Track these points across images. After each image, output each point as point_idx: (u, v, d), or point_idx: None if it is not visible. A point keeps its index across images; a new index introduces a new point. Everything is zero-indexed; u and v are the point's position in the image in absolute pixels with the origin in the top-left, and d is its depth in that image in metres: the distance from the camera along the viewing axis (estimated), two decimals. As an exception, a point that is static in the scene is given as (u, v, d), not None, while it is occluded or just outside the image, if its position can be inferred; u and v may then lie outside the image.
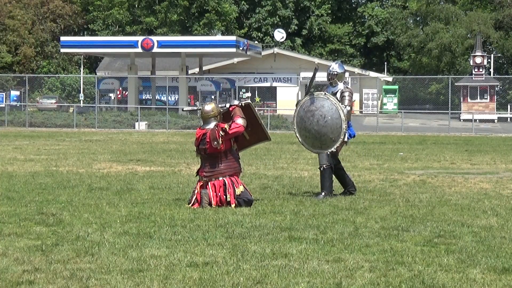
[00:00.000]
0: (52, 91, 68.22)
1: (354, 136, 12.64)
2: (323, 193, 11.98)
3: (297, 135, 12.31)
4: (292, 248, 7.85)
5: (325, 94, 12.20)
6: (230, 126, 10.94)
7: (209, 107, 11.24)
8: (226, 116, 11.28)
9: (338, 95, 12.33)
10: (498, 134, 42.03)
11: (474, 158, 21.62)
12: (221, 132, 10.87)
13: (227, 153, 10.98)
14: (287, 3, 79.03)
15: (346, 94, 12.31)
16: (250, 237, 8.44)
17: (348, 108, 12.20)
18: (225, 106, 11.49)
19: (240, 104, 11.43)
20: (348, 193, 12.37)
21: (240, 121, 11.04)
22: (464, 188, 13.69)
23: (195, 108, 11.76)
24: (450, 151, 25.31)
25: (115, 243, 8.07)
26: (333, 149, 12.08)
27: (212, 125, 11.02)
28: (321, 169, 12.09)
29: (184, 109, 13.81)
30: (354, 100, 12.71)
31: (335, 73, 12.45)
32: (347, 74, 64.34)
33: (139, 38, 50.14)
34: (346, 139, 12.27)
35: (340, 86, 12.44)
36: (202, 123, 11.28)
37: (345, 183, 12.45)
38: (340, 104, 12.07)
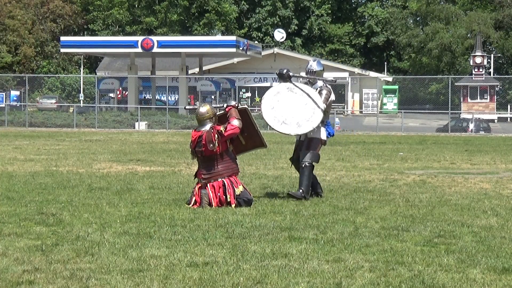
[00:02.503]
0: (52, 91, 68.23)
1: (332, 135, 12.27)
2: (300, 190, 11.61)
3: (265, 108, 11.76)
4: (292, 248, 7.85)
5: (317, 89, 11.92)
6: (225, 128, 10.91)
7: (203, 109, 11.18)
8: (223, 117, 11.24)
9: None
10: (498, 134, 42.04)
11: (474, 158, 21.62)
12: (216, 134, 10.85)
13: (224, 154, 10.94)
14: (287, 3, 79.06)
15: (324, 92, 11.97)
16: (250, 237, 8.44)
17: (324, 106, 11.80)
18: (222, 106, 11.44)
19: (236, 105, 11.37)
20: (288, 193, 11.97)
21: (235, 123, 11.00)
22: (464, 188, 13.69)
23: (196, 107, 11.71)
24: (450, 151, 25.31)
25: (115, 243, 8.07)
26: (291, 134, 11.78)
27: (207, 127, 10.99)
28: (303, 165, 11.73)
29: (186, 107, 13.83)
30: (332, 100, 12.36)
31: (314, 70, 12.11)
32: (346, 74, 64.21)
33: (139, 38, 50.12)
34: (325, 138, 11.98)
35: (319, 83, 12.13)
36: (197, 125, 11.23)
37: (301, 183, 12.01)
38: (319, 99, 11.75)
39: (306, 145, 12.00)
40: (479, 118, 47.27)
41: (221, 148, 10.91)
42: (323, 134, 12.02)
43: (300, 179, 11.90)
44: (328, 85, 12.22)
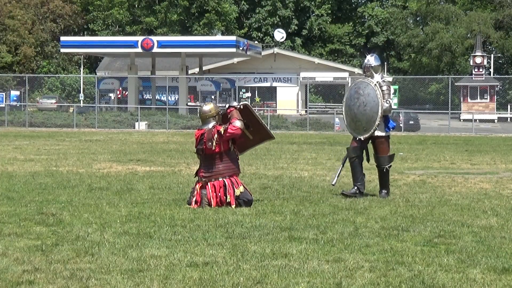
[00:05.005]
0: (52, 91, 68.22)
1: (394, 127, 12.67)
2: (384, 191, 12.18)
3: (343, 111, 12.64)
4: (292, 248, 7.85)
5: (376, 84, 12.18)
6: (226, 129, 10.90)
7: (207, 107, 11.22)
8: (225, 117, 11.25)
9: None
10: (498, 134, 42.04)
11: (474, 158, 21.62)
12: (216, 135, 10.84)
13: (225, 154, 10.93)
14: (287, 3, 79.03)
15: (385, 88, 12.25)
16: (250, 237, 8.44)
17: (390, 101, 12.22)
18: (225, 107, 11.47)
19: (238, 106, 11.36)
20: (357, 190, 12.22)
21: (237, 124, 10.98)
22: (464, 188, 13.69)
23: (198, 105, 11.80)
24: (450, 151, 25.31)
25: (115, 243, 8.07)
26: (361, 137, 12.26)
27: (210, 125, 11.02)
28: (384, 170, 12.29)
29: (188, 103, 13.89)
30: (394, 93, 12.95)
31: (371, 65, 12.35)
32: (346, 74, 64.11)
33: (139, 38, 50.12)
34: (385, 133, 12.33)
35: (377, 78, 12.31)
36: (201, 124, 11.28)
37: (356, 179, 12.36)
38: (382, 99, 12.09)
39: (375, 149, 12.57)
40: (411, 113, 47.55)
41: (223, 148, 10.91)
42: (384, 131, 12.35)
43: (352, 174, 12.37)
44: (386, 79, 12.52)
